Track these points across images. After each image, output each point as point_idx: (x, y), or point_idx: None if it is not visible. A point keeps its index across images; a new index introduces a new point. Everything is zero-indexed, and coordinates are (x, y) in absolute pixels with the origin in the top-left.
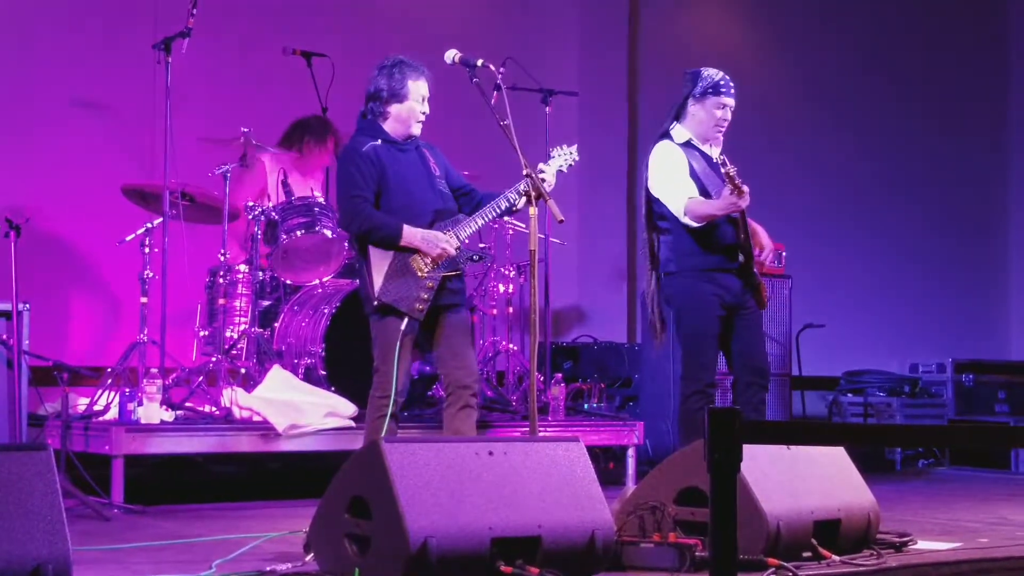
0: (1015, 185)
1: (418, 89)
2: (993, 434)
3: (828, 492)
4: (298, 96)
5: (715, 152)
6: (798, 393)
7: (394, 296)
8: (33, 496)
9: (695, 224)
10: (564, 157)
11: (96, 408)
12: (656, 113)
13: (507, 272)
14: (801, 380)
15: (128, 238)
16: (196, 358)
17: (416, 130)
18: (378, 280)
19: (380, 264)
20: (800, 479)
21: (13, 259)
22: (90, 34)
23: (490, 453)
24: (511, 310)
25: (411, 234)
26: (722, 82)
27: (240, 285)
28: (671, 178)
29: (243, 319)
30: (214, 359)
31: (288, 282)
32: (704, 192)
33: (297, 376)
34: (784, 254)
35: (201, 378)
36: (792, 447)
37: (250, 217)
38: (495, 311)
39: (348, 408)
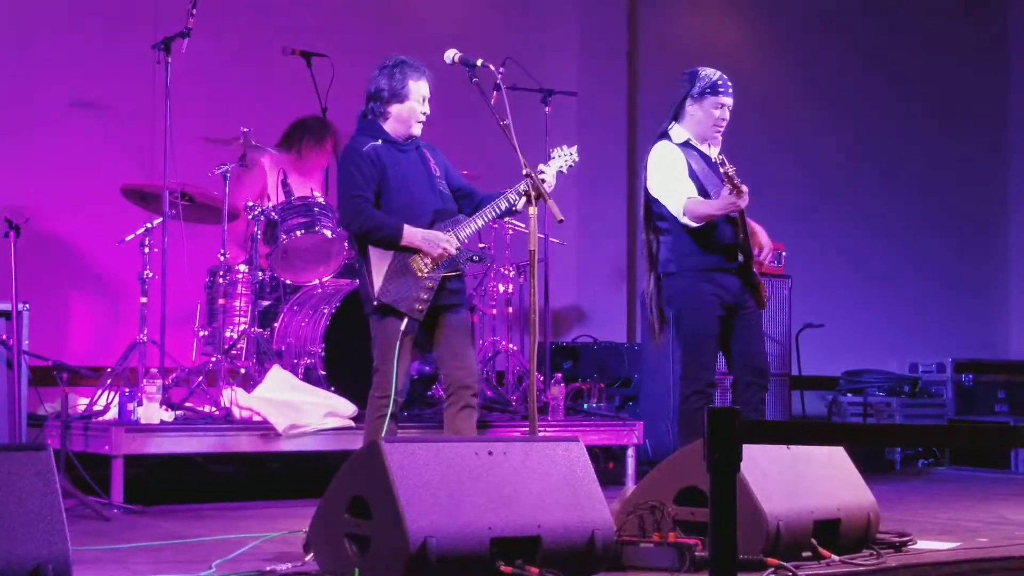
0: (1015, 185)
1: (419, 89)
2: (993, 434)
3: (828, 492)
4: (298, 96)
5: (714, 152)
6: (798, 393)
7: (394, 296)
8: (33, 496)
9: (694, 224)
10: (564, 158)
11: (96, 408)
12: (656, 113)
13: (507, 272)
14: (801, 380)
15: (128, 238)
16: (196, 358)
17: (417, 130)
18: (378, 280)
19: (380, 264)
20: (800, 479)
21: (13, 259)
22: (90, 34)
23: (490, 453)
24: (511, 310)
25: (412, 234)
26: (720, 82)
27: (240, 285)
28: (670, 178)
29: (243, 319)
30: (214, 359)
31: (288, 282)
32: (703, 192)
33: (297, 376)
34: (784, 254)
35: (201, 378)
36: (792, 447)
37: (250, 217)
38: (495, 311)
39: (348, 408)
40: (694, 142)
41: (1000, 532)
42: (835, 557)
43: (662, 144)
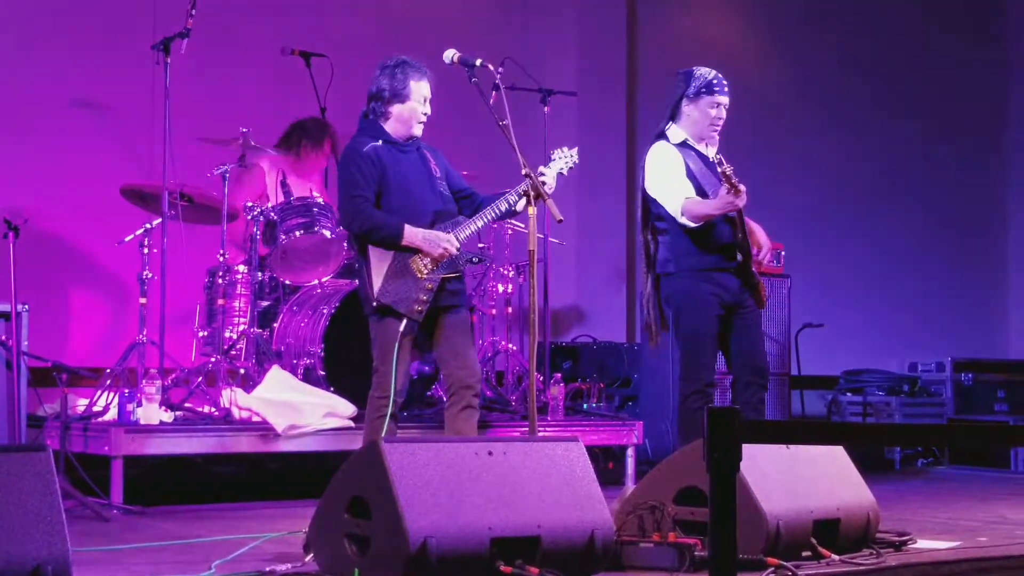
0: (1014, 185)
1: (420, 90)
2: (992, 433)
3: (827, 491)
4: (297, 96)
5: (711, 151)
6: (797, 392)
7: (393, 297)
8: (32, 497)
9: (692, 224)
10: (565, 160)
11: (95, 409)
12: (655, 113)
13: (506, 272)
14: (800, 379)
15: (127, 239)
16: (195, 359)
17: (417, 131)
18: (377, 281)
19: (380, 265)
20: (799, 478)
21: (12, 260)
22: (89, 34)
23: (490, 453)
24: (510, 310)
25: (412, 234)
26: (715, 81)
27: (239, 285)
28: (667, 178)
29: (242, 319)
30: (213, 360)
31: (287, 282)
32: (701, 192)
33: (296, 376)
34: (783, 253)
35: (200, 379)
36: (791, 446)
37: (249, 218)
38: (494, 311)
39: (347, 408)
40: (691, 142)
41: (1000, 531)
42: (835, 557)
43: (659, 144)
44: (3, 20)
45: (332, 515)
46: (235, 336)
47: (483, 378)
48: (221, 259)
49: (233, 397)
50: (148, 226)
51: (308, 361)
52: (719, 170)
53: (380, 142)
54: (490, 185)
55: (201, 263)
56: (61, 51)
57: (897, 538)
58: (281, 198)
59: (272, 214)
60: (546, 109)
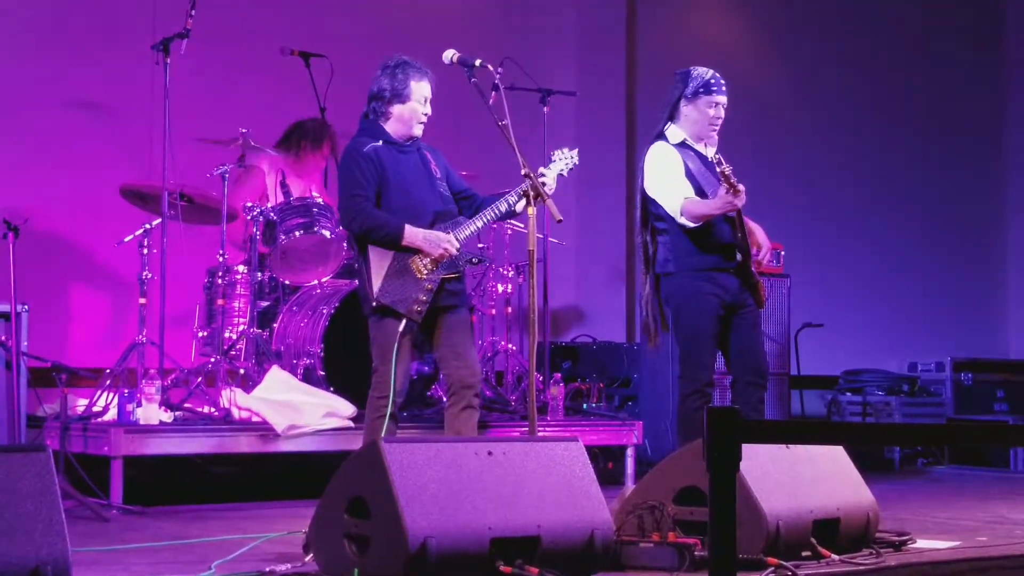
0: (1014, 184)
1: (420, 90)
2: (992, 433)
3: (827, 491)
4: (296, 97)
5: (710, 151)
6: (797, 392)
7: (393, 297)
8: (32, 497)
9: (692, 224)
10: (565, 161)
11: (95, 409)
12: (655, 113)
13: (506, 272)
14: (800, 379)
15: (127, 239)
16: (195, 359)
17: (418, 131)
18: (377, 281)
19: (379, 265)
20: (799, 478)
21: (11, 260)
22: (89, 34)
23: (489, 453)
24: (510, 310)
25: (413, 234)
26: (712, 80)
27: (239, 286)
28: (666, 178)
29: (242, 320)
30: (213, 360)
31: (287, 282)
32: (700, 192)
33: (296, 376)
34: (783, 253)
35: (200, 379)
36: (791, 446)
37: (248, 218)
38: (494, 311)
39: (347, 408)
40: (690, 142)
41: (999, 531)
42: (835, 556)
43: (658, 145)
44: (3, 20)
45: (332, 515)
46: (235, 336)
47: (483, 378)
48: (221, 259)
49: (233, 397)
50: (148, 226)
51: (308, 361)
52: (718, 170)
53: (380, 142)
54: (490, 185)
55: (201, 263)
56: (61, 51)
57: (897, 538)
58: (281, 198)
59: (272, 214)
60: (545, 109)
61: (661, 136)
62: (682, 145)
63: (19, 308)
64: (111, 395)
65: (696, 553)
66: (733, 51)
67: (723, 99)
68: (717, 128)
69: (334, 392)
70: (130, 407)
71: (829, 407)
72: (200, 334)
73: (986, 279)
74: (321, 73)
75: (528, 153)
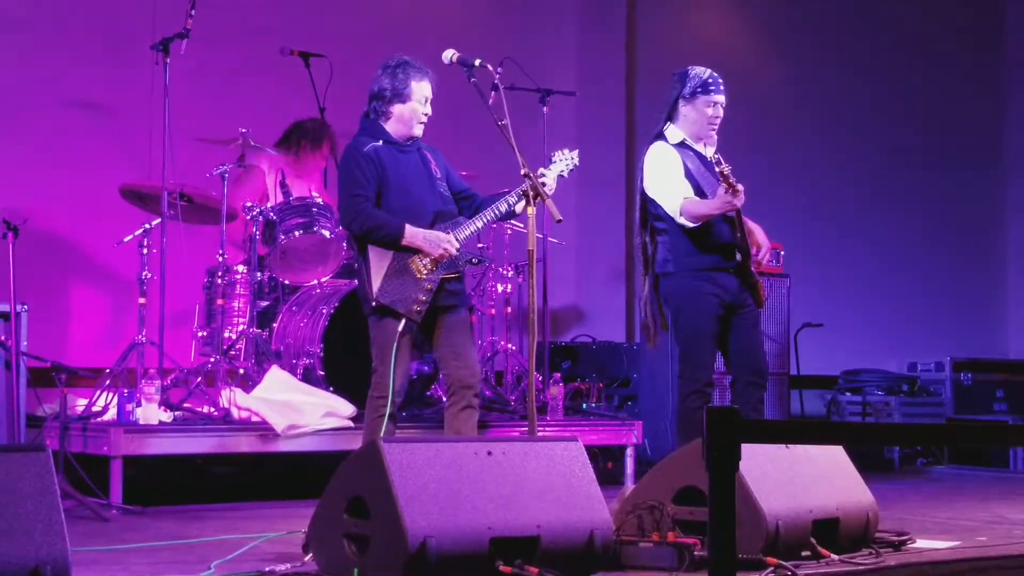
0: (1013, 184)
1: (421, 90)
2: (991, 433)
3: (827, 491)
4: (296, 97)
5: (710, 151)
6: (796, 392)
7: (392, 297)
8: (31, 497)
9: (691, 224)
10: (565, 162)
11: (94, 409)
12: (654, 113)
13: (505, 272)
14: (799, 379)
15: (126, 239)
16: (194, 359)
17: (418, 131)
18: (377, 281)
19: (379, 265)
20: (799, 478)
21: (11, 260)
22: (89, 35)
23: (489, 453)
24: (509, 310)
25: (413, 234)
26: (710, 80)
27: (238, 286)
28: (666, 178)
29: (241, 320)
30: (212, 360)
31: (286, 282)
32: (699, 192)
33: (295, 376)
34: (782, 253)
35: (199, 379)
36: (791, 446)
37: (248, 218)
38: (493, 311)
39: (347, 408)
40: (689, 142)
41: (999, 531)
42: (834, 556)
43: (658, 145)
44: (3, 20)
45: (331, 515)
46: (234, 336)
47: (482, 378)
48: (220, 259)
49: (232, 397)
50: (147, 226)
51: (307, 361)
52: (716, 170)
53: (380, 142)
54: (490, 185)
55: (200, 263)
56: (61, 51)
57: (896, 538)
58: (280, 198)
59: (271, 214)
60: (545, 109)
61: (660, 136)
62: (681, 145)
63: (19, 308)
64: (111, 395)
65: (695, 553)
66: (733, 51)
67: (721, 98)
68: (716, 127)
69: (334, 392)
70: (130, 407)
71: (829, 407)
72: (200, 334)
73: (986, 279)
74: (321, 73)
75: (528, 153)
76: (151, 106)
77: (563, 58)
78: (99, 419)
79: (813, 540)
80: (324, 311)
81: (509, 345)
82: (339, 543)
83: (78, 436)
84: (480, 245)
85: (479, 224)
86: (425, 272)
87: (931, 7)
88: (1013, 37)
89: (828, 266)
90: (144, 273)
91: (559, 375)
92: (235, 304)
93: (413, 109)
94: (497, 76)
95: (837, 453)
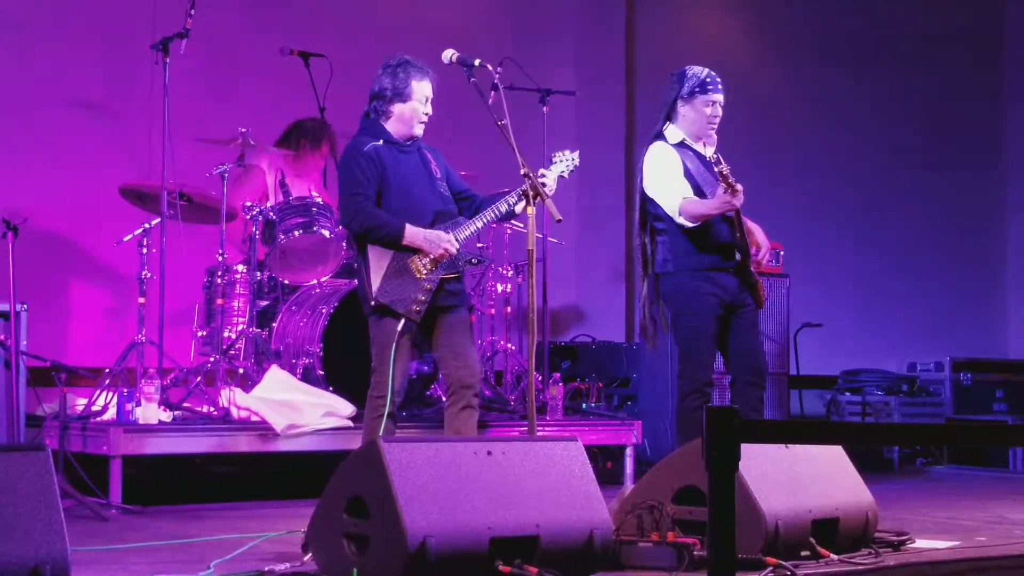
0: (1013, 185)
1: (422, 89)
2: (991, 433)
3: (826, 491)
4: (296, 96)
5: (710, 151)
6: (796, 392)
7: (391, 297)
8: (31, 497)
9: (690, 224)
10: (566, 162)
11: (94, 408)
12: (654, 113)
13: (505, 272)
14: (799, 379)
15: (126, 238)
16: (194, 358)
17: (418, 131)
18: (376, 280)
19: (379, 264)
20: (798, 478)
21: (11, 259)
22: (89, 34)
23: (489, 453)
24: (509, 310)
25: (413, 234)
26: (708, 79)
27: (238, 285)
28: (665, 178)
29: (241, 319)
30: (212, 359)
31: (286, 282)
32: (699, 192)
33: (295, 376)
34: (782, 253)
35: (199, 378)
36: (790, 446)
37: (248, 217)
38: (493, 311)
39: (346, 408)
40: (689, 141)
41: (998, 531)
42: (834, 556)
43: (657, 145)
44: (3, 20)
45: (331, 515)
46: (234, 336)
47: (482, 378)
48: (220, 259)
49: (232, 397)
50: (147, 226)
51: (307, 361)
52: (715, 170)
53: (381, 141)
54: (490, 185)
55: (200, 263)
56: (61, 51)
57: (896, 538)
58: (280, 198)
59: (271, 214)
60: (545, 109)
61: (660, 136)
62: (681, 145)
63: (18, 307)
64: (110, 394)
65: (695, 553)
66: (733, 51)
67: (719, 97)
68: (715, 126)
69: (333, 392)
70: (129, 406)
71: (828, 407)
72: (199, 333)
73: (985, 279)
74: (320, 73)
75: (527, 153)
76: (151, 106)
77: (563, 58)
78: (99, 419)
79: (812, 540)
80: (324, 311)
81: (509, 345)
82: (339, 543)
83: (78, 435)
84: (480, 245)
85: (479, 224)
86: (424, 272)
87: (931, 7)
88: (1013, 37)
89: (828, 266)
90: (144, 273)
91: (559, 375)
92: (235, 304)
93: (414, 108)
94: (497, 76)
95: (837, 453)
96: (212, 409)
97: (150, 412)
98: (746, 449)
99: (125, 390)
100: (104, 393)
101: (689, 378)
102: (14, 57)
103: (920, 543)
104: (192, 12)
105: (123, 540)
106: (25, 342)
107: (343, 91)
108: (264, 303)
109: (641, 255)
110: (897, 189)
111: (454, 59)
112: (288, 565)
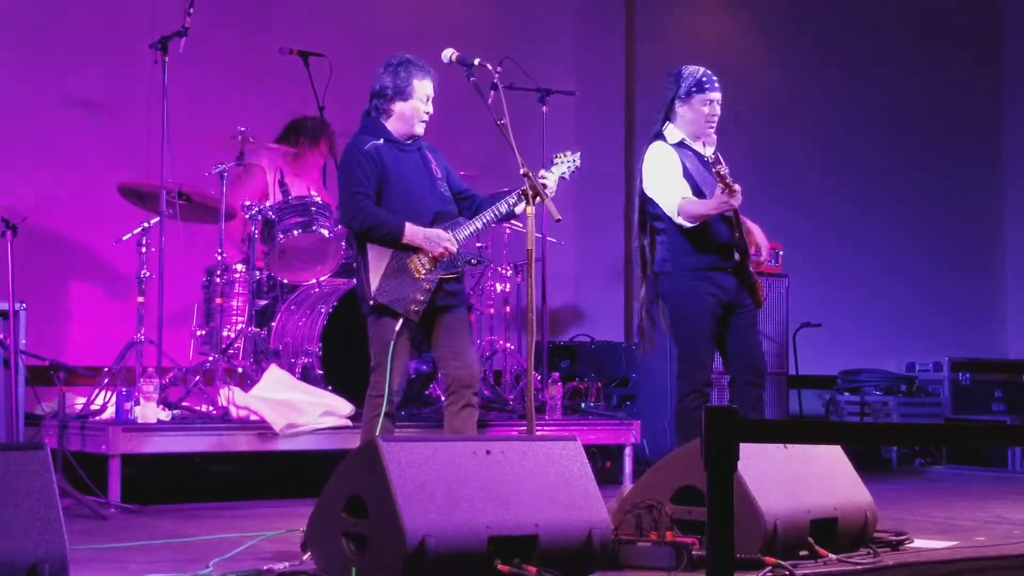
0: (1012, 185)
1: (423, 88)
2: (990, 433)
3: (825, 491)
4: (295, 96)
5: (709, 150)
6: (795, 392)
7: (390, 296)
8: (30, 495)
9: (688, 224)
10: (567, 164)
11: (93, 407)
12: (653, 113)
13: (504, 271)
14: (798, 379)
15: (125, 237)
16: (193, 357)
17: (419, 130)
18: (375, 280)
19: (378, 264)
20: (797, 478)
21: (10, 259)
22: (88, 34)
23: (488, 452)
24: (508, 309)
25: (413, 232)
26: (704, 78)
27: (237, 284)
28: (664, 178)
29: (240, 318)
30: (211, 358)
31: (285, 281)
32: (698, 192)
33: (294, 375)
34: (781, 253)
35: (198, 377)
36: (789, 446)
37: (247, 216)
38: (492, 310)
39: (345, 407)
40: (688, 141)
41: (997, 531)
42: (832, 556)
43: (657, 144)
44: (3, 20)
45: (330, 514)
46: (233, 335)
47: (481, 377)
48: (219, 258)
49: (231, 396)
50: (146, 225)
51: (306, 360)
52: (713, 170)
53: (381, 140)
54: (490, 185)
55: (199, 262)
56: (60, 50)
57: (894, 537)
58: (279, 197)
59: (270, 213)
60: (544, 108)
61: (659, 136)
62: (680, 145)
63: (17, 306)
64: (109, 393)
65: (694, 552)
66: (733, 51)
67: (717, 95)
68: (714, 125)
69: (332, 391)
70: (128, 405)
71: (827, 407)
72: (198, 333)
73: (984, 279)
74: (320, 72)
75: (527, 153)
76: (150, 105)
77: (562, 58)
78: (98, 417)
79: (811, 540)
80: (323, 310)
81: (508, 344)
82: (337, 542)
83: (76, 434)
84: (479, 245)
85: (479, 225)
86: (424, 272)
87: (931, 7)
88: (1013, 37)
89: (827, 266)
90: (143, 272)
91: (558, 374)
92: (234, 303)
93: (415, 107)
94: (496, 75)
95: (835, 453)
96: (211, 408)
97: (149, 411)
98: (745, 449)
99: (124, 389)
100: (103, 392)
101: (688, 378)
102: (14, 57)
103: (919, 543)
104: (191, 11)
105: (122, 539)
106: (24, 341)
107: (343, 90)
108: (263, 302)
109: (640, 257)
110: (896, 190)
111: (454, 59)
112: (287, 564)
